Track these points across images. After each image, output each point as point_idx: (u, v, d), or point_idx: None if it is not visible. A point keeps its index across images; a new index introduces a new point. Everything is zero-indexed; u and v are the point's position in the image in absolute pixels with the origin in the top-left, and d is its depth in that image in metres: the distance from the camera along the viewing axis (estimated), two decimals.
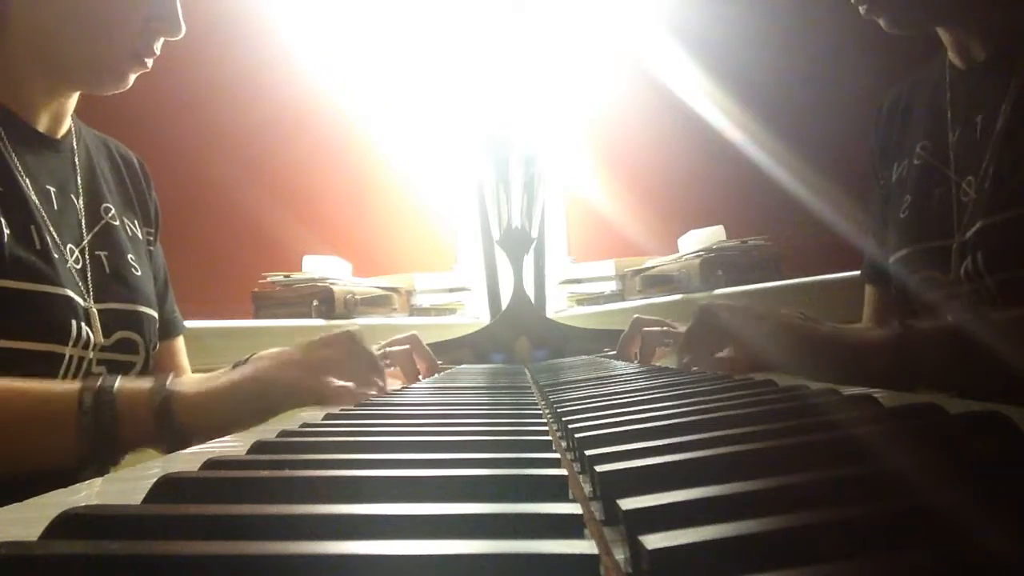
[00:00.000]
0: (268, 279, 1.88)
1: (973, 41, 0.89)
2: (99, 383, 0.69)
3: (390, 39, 2.18)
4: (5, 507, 0.31)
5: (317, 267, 1.93)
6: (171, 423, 0.68)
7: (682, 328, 1.00)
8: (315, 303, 1.79)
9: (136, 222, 1.00)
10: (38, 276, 0.79)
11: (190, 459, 0.45)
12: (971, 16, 0.88)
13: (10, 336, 0.76)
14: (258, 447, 0.40)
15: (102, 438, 0.67)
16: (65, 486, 0.36)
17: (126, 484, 0.37)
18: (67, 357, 0.81)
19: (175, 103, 1.90)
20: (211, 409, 0.70)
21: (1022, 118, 0.82)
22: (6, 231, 0.78)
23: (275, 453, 0.39)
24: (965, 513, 0.19)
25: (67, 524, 0.23)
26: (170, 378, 0.71)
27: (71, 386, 0.69)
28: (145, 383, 0.71)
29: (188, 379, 0.72)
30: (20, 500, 0.32)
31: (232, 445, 0.49)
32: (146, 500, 0.29)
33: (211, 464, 0.34)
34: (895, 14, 0.87)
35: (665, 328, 1.09)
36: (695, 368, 0.82)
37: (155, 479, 0.29)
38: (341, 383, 0.77)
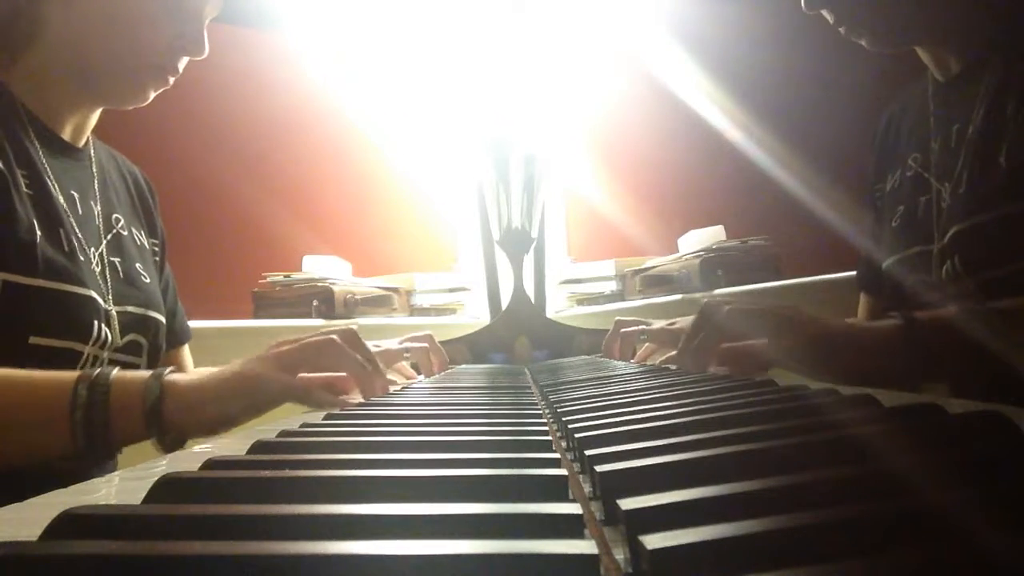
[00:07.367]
0: (268, 279, 1.88)
1: (950, 57, 0.93)
2: (96, 373, 0.68)
3: (390, 39, 2.18)
4: (5, 507, 0.31)
5: (317, 267, 1.93)
6: (160, 417, 0.68)
7: (657, 325, 1.10)
8: (315, 303, 1.79)
9: (143, 232, 1.03)
10: (66, 277, 0.82)
11: (190, 459, 0.45)
12: (946, 35, 0.92)
13: (38, 332, 0.79)
14: (258, 447, 0.40)
15: (95, 429, 0.66)
16: (67, 485, 0.36)
17: (126, 484, 0.37)
18: (85, 355, 0.83)
19: (175, 103, 1.90)
20: (201, 403, 0.70)
21: (990, 123, 0.84)
22: (38, 233, 0.81)
23: (275, 453, 0.39)
24: (965, 513, 0.19)
25: (67, 524, 0.23)
26: (166, 372, 0.71)
27: (68, 376, 0.69)
28: (141, 375, 0.70)
29: (182, 375, 0.72)
30: (20, 500, 0.32)
31: (232, 445, 0.49)
32: (146, 500, 0.29)
33: (211, 464, 0.34)
34: (875, 35, 0.91)
35: (642, 327, 1.16)
36: (697, 368, 0.81)
37: (155, 479, 0.29)
38: (331, 375, 0.79)
